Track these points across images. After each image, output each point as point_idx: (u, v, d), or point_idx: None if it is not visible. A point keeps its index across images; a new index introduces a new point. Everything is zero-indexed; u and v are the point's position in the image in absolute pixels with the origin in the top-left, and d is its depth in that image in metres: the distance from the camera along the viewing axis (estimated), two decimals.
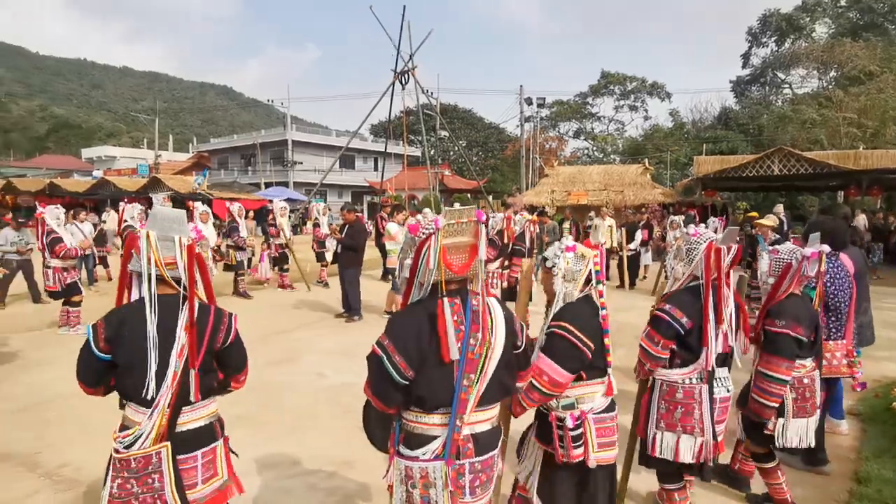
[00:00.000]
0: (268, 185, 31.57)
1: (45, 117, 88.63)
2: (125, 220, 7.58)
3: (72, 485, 3.25)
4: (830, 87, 31.30)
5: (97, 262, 10.46)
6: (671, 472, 2.65)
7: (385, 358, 1.74)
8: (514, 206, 8.62)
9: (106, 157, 49.15)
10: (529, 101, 30.46)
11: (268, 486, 3.24)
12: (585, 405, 2.17)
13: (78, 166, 49.55)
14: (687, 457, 2.49)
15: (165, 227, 1.94)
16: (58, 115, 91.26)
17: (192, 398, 1.93)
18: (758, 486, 3.17)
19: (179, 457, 1.89)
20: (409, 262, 1.88)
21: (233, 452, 2.15)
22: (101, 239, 11.17)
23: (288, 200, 23.68)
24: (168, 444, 1.86)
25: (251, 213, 12.85)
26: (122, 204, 8.05)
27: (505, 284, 6.60)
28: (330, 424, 4.17)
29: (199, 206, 9.58)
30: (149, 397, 1.85)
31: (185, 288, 1.93)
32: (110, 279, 10.70)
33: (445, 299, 1.73)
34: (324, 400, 4.67)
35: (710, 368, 2.48)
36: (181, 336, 1.90)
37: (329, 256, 10.57)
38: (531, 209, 14.86)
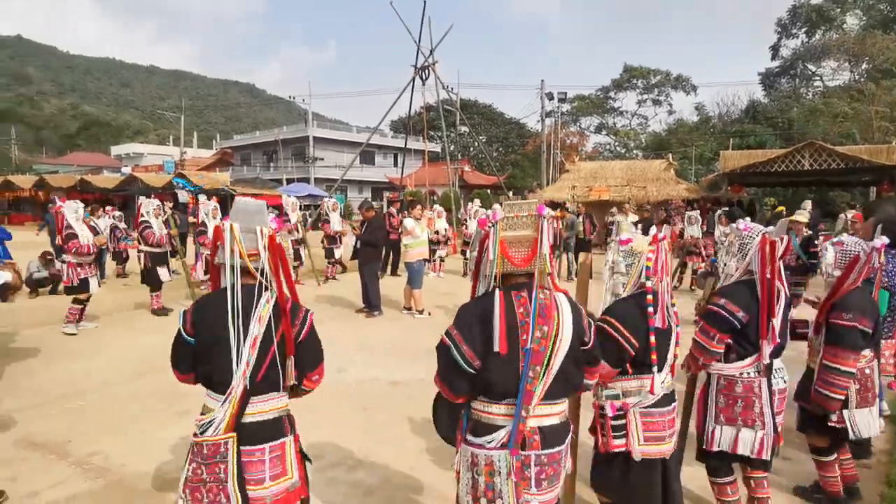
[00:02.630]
0: (289, 181, 31.97)
1: (75, 115, 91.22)
2: (142, 216, 7.67)
3: (101, 473, 3.34)
4: (862, 79, 30.23)
5: (125, 257, 10.73)
6: (723, 465, 2.65)
7: (453, 347, 1.81)
8: None
9: (134, 154, 50.38)
10: (550, 96, 30.11)
11: None
12: (631, 398, 2.22)
13: (107, 163, 50.87)
14: (745, 449, 2.50)
15: (247, 219, 1.94)
16: (88, 113, 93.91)
17: (265, 388, 1.92)
18: (792, 477, 3.09)
19: (246, 448, 1.87)
20: (474, 254, 1.95)
21: (306, 458, 2.07)
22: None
23: (309, 196, 24.00)
24: (234, 434, 1.85)
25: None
26: (140, 199, 8.07)
27: None
28: (350, 419, 4.21)
29: (205, 202, 9.26)
30: (230, 385, 1.87)
31: (266, 278, 1.94)
32: (119, 275, 10.73)
33: (499, 293, 1.80)
34: (344, 395, 4.70)
35: (767, 362, 2.51)
36: (254, 327, 1.89)
37: (338, 253, 10.61)
38: (552, 205, 14.73)
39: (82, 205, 6.87)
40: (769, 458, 2.56)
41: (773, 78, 39.65)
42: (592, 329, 1.94)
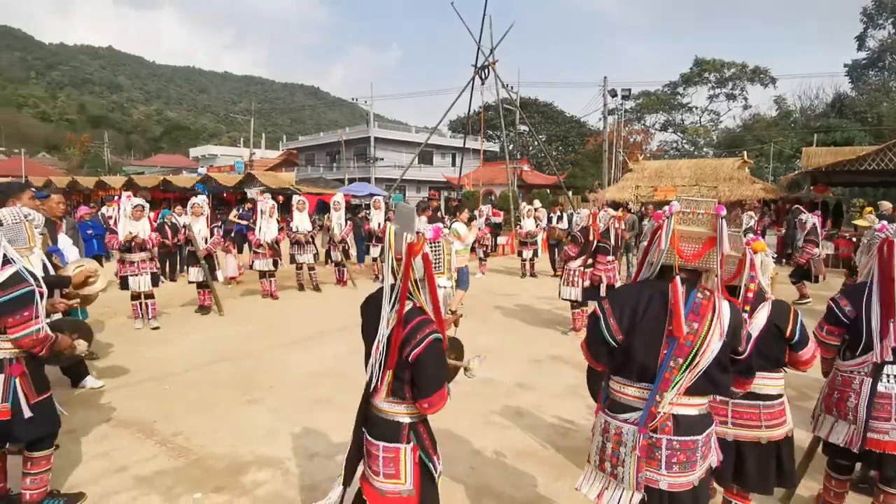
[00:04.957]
0: (351, 180, 32.93)
1: (160, 120, 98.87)
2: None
3: (183, 452, 3.59)
4: None
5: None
6: (842, 463, 2.76)
7: (602, 318, 1.96)
8: (595, 202, 8.25)
9: (209, 156, 53.72)
10: (614, 94, 29.17)
11: None
12: None
13: (186, 164, 54.64)
14: (837, 438, 2.62)
15: (402, 223, 2.02)
16: (170, 118, 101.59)
17: (377, 390, 2.01)
18: None
19: (368, 438, 2.05)
20: (643, 244, 2.08)
21: (429, 472, 2.09)
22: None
23: (369, 195, 24.60)
24: (358, 424, 2.11)
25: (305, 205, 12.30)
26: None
27: (587, 283, 6.36)
28: None
29: (267, 199, 9.29)
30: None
31: (399, 283, 1.96)
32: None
33: (670, 281, 1.88)
34: None
35: (877, 361, 2.51)
36: (382, 329, 1.96)
37: (374, 252, 10.34)
38: (613, 205, 14.26)
39: (142, 201, 6.87)
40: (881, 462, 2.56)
41: (860, 70, 36.44)
42: (751, 342, 1.97)
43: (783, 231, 13.55)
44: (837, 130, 28.95)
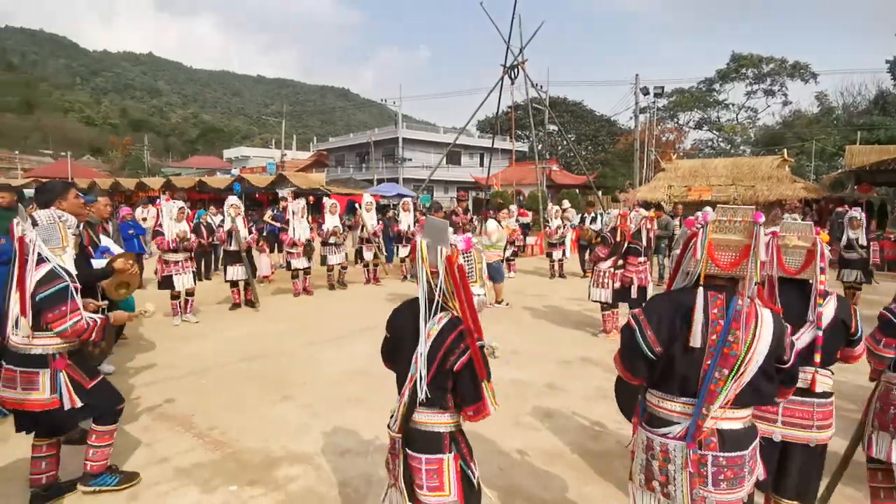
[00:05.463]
0: (380, 181, 33.24)
1: (196, 123, 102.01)
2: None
3: (219, 446, 3.71)
4: None
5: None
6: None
7: (637, 330, 1.89)
8: (626, 202, 8.15)
9: (241, 157, 55.03)
10: (646, 91, 28.57)
11: (379, 465, 3.42)
12: None
13: (220, 165, 56.18)
14: None
15: (433, 236, 2.00)
16: (206, 120, 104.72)
17: (421, 400, 1.96)
18: None
19: (409, 452, 2.00)
20: (676, 252, 2.03)
21: (470, 483, 2.05)
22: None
23: (398, 195, 24.83)
24: (400, 435, 2.02)
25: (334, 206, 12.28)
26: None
27: (617, 285, 6.26)
28: None
29: (293, 201, 9.49)
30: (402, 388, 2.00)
31: (441, 296, 1.96)
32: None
33: (705, 291, 1.84)
34: None
35: None
36: (421, 343, 1.95)
37: (404, 252, 10.50)
38: (645, 205, 13.98)
39: (181, 203, 7.10)
40: None
41: None
42: (794, 350, 1.91)
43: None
44: (881, 128, 27.70)
